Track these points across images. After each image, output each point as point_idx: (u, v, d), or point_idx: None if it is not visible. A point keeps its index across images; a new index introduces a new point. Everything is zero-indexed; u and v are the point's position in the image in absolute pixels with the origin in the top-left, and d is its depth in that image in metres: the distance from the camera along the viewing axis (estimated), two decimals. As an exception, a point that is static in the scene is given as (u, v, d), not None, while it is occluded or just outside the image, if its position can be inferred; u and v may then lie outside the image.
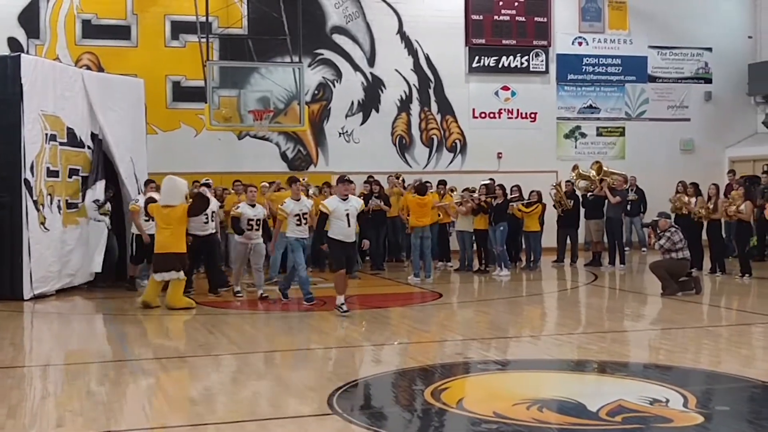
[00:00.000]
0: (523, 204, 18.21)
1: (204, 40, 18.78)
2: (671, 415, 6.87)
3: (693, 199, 16.96)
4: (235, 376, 8.79)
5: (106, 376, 8.60)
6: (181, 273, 13.08)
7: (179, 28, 20.54)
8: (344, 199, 12.07)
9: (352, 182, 12.34)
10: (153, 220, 13.66)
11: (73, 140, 15.24)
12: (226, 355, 9.70)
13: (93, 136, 15.72)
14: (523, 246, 18.86)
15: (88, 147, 15.63)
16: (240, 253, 14.14)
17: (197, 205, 13.42)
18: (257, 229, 13.86)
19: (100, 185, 15.43)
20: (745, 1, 24.38)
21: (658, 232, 14.43)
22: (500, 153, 22.34)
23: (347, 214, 11.92)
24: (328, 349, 10.19)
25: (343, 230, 11.92)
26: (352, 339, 10.87)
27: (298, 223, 13.25)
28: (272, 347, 10.35)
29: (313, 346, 10.37)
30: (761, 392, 7.75)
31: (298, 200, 13.45)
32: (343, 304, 11.97)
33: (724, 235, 17.75)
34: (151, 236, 13.96)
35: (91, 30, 20.10)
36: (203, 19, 18.93)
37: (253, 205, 13.92)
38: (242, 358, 9.64)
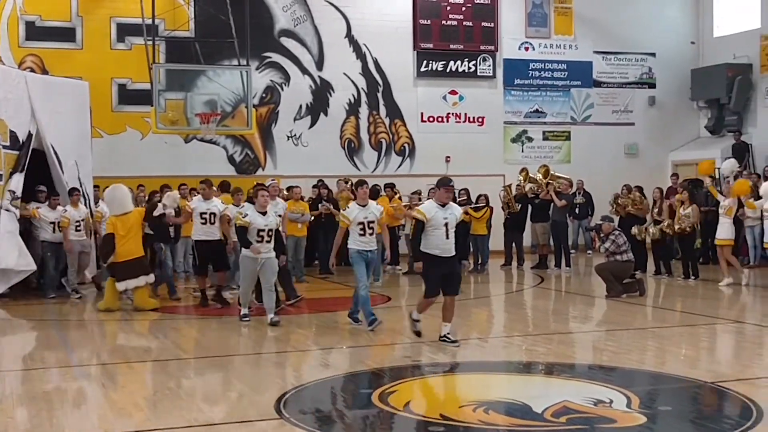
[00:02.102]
0: (471, 208, 18.33)
1: (150, 42, 18.58)
2: (615, 415, 6.98)
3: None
4: (182, 381, 8.73)
5: (50, 383, 8.48)
6: (150, 276, 13.42)
7: (125, 31, 20.30)
8: (443, 206, 10.05)
9: (453, 185, 10.31)
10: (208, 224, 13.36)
11: (15, 143, 14.96)
12: (173, 360, 9.63)
13: (29, 134, 15.36)
14: (471, 249, 18.97)
15: (23, 143, 15.20)
16: (248, 269, 11.76)
17: (151, 209, 13.76)
18: (268, 241, 11.73)
19: (18, 177, 14.98)
20: (688, 7, 24.81)
21: (602, 235, 14.63)
22: (448, 157, 22.46)
23: (446, 224, 9.92)
24: (277, 353, 10.16)
25: (441, 243, 9.91)
26: (300, 343, 10.85)
27: (362, 232, 11.27)
28: (220, 352, 10.28)
29: (261, 351, 10.33)
30: (704, 392, 7.89)
31: (365, 206, 11.39)
32: (448, 334, 10.08)
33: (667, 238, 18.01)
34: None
35: (34, 32, 19.79)
36: (149, 21, 18.72)
37: (264, 213, 11.79)
38: (189, 363, 9.58)
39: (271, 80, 21.52)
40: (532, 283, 17.05)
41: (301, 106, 21.74)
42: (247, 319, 11.89)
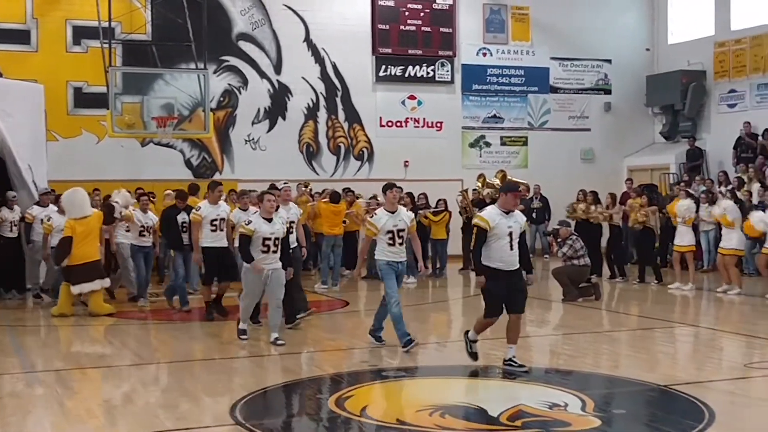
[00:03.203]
0: (430, 212, 18.40)
1: (107, 45, 18.41)
2: (569, 419, 7.04)
3: (593, 207, 17.37)
4: (137, 387, 8.65)
5: (3, 389, 8.36)
6: (106, 281, 13.40)
7: (81, 33, 20.07)
8: (507, 213, 8.78)
9: (521, 191, 9.12)
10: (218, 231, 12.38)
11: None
12: (128, 366, 9.54)
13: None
14: (430, 254, 19.02)
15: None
16: (252, 283, 10.56)
17: (108, 212, 13.87)
18: (275, 251, 10.49)
19: None
20: (643, 14, 25.10)
21: (559, 240, 14.77)
22: (407, 161, 22.50)
23: (510, 233, 8.67)
24: (233, 358, 10.10)
25: (505, 255, 8.67)
26: (257, 348, 10.79)
27: (391, 242, 10.03)
28: (175, 357, 10.21)
29: (217, 356, 10.26)
30: (658, 395, 7.97)
31: (394, 212, 10.10)
32: (514, 357, 8.90)
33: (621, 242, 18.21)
34: (212, 249, 12.42)
35: (-12, 34, 19.54)
36: (106, 24, 18.54)
37: (270, 219, 10.52)
38: (144, 369, 9.50)
39: (229, 84, 21.41)
40: (490, 288, 17.08)
41: (259, 110, 21.66)
42: (245, 336, 10.73)
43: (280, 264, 10.55)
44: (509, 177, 19.41)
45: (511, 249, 8.70)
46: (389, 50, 22.52)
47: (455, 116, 23.30)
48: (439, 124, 23.17)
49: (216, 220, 12.28)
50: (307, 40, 22.03)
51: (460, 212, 19.50)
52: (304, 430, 7.10)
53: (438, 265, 18.78)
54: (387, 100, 22.69)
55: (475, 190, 19.70)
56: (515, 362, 8.80)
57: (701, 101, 23.11)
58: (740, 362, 9.39)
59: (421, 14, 22.72)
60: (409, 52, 22.66)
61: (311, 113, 22.11)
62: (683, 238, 15.71)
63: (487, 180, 19.62)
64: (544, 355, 10.48)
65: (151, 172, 20.02)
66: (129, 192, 15.64)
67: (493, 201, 19.02)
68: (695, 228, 16.90)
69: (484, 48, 23.55)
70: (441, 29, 22.90)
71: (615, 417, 7.31)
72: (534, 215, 21.35)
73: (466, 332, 9.27)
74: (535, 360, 10.00)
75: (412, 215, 10.58)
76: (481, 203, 19.30)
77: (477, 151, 23.60)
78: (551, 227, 18.68)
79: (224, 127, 21.35)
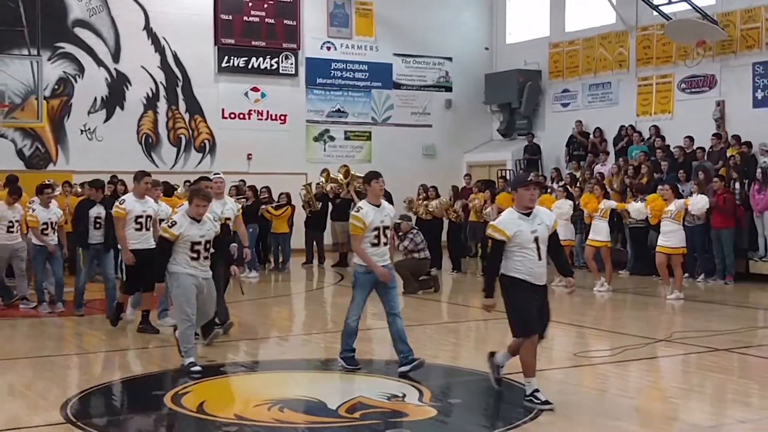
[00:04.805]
0: (272, 206, 18.31)
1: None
2: (407, 409, 7.15)
3: (434, 202, 17.73)
4: (-40, 388, 8.22)
5: None
6: None
7: None
8: (527, 215, 7.22)
9: (533, 180, 7.53)
10: (143, 229, 10.72)
11: None
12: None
13: None
14: (272, 248, 18.93)
15: None
16: (185, 293, 8.54)
17: None
18: (206, 257, 8.72)
19: None
20: (483, 13, 25.72)
21: (401, 233, 14.98)
22: (250, 154, 22.28)
23: (536, 238, 7.15)
24: (66, 355, 9.76)
25: (533, 265, 7.14)
26: (92, 345, 10.45)
27: (376, 241, 8.37)
28: (4, 355, 9.75)
29: (49, 353, 9.86)
30: (492, 385, 8.18)
31: (380, 206, 8.50)
32: (537, 391, 7.17)
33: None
34: (136, 252, 10.65)
35: None
36: (-71, 4, 17.57)
37: (199, 220, 8.67)
38: (-31, 369, 9.03)
39: (64, 72, 20.61)
40: (333, 281, 17.22)
41: (96, 99, 20.95)
42: (197, 369, 8.38)
43: (210, 273, 8.81)
44: (352, 172, 19.58)
45: (540, 258, 7.15)
46: (232, 41, 22.23)
47: (299, 109, 23.25)
48: (283, 117, 23.05)
49: (141, 216, 10.67)
50: (147, 28, 21.47)
51: (303, 206, 19.48)
52: (137, 427, 6.92)
53: (281, 259, 18.71)
54: (230, 91, 22.40)
55: (318, 184, 19.72)
56: (537, 398, 7.14)
57: (537, 100, 23.90)
58: (570, 352, 9.77)
59: (265, 5, 22.53)
60: (253, 43, 22.44)
61: (151, 103, 21.57)
62: (601, 234, 15.61)
63: (331, 174, 19.68)
64: (386, 348, 10.55)
65: (-21, 162, 19.07)
66: None
67: (337, 195, 19.34)
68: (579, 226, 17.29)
69: (329, 42, 23.59)
70: (285, 21, 22.78)
71: (451, 406, 7.46)
72: (377, 209, 21.60)
73: (492, 357, 7.75)
74: (376, 352, 10.10)
75: (393, 209, 8.87)
76: (324, 197, 19.40)
77: (321, 145, 23.63)
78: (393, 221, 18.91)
79: (59, 116, 20.55)
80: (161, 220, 10.24)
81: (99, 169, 19.29)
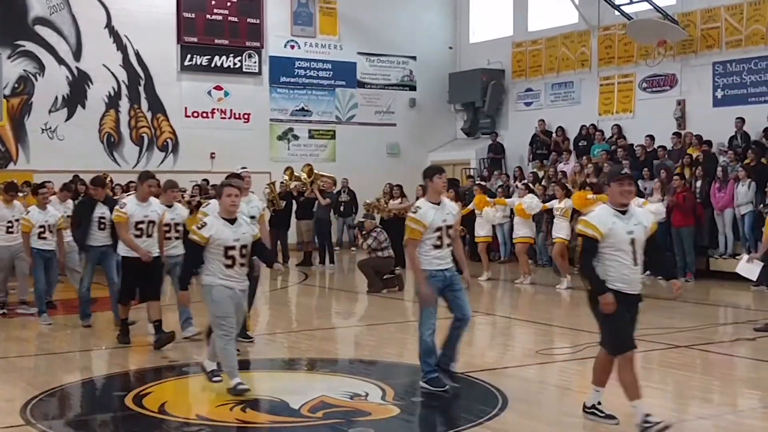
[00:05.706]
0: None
1: None
2: (369, 408, 7.15)
3: (392, 202, 17.73)
4: None
5: None
6: None
7: None
8: (623, 212, 6.36)
9: (628, 174, 6.67)
10: (144, 236, 9.84)
11: None
12: None
13: None
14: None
15: None
16: (222, 305, 7.55)
17: None
18: (243, 264, 7.65)
19: None
20: (447, 13, 25.77)
21: (364, 232, 15.01)
22: (213, 153, 22.15)
23: (632, 240, 6.32)
24: (26, 356, 9.65)
25: (628, 272, 6.33)
26: (53, 346, 10.33)
27: (438, 242, 7.63)
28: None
29: (8, 354, 9.75)
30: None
31: (439, 203, 7.75)
32: (648, 415, 6.29)
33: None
34: (133, 261, 9.81)
35: None
36: None
37: (233, 220, 7.67)
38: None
39: (25, 70, 20.36)
40: (297, 280, 17.18)
41: (57, 98, 20.73)
42: (246, 388, 7.43)
43: (248, 284, 7.86)
44: (316, 171, 19.60)
45: (635, 264, 6.35)
46: (195, 39, 22.08)
47: (263, 108, 23.16)
48: (246, 116, 22.95)
49: (143, 222, 9.80)
50: (109, 26, 21.28)
51: (267, 205, 19.37)
52: (97, 429, 6.86)
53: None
54: (192, 90, 22.25)
55: (282, 183, 19.66)
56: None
57: (500, 99, 23.98)
58: (533, 349, 9.82)
59: (228, 3, 22.41)
60: (216, 41, 22.30)
61: (113, 102, 21.38)
62: (563, 231, 15.70)
63: (295, 173, 19.65)
64: (350, 347, 10.61)
65: (-63, 162, 18.80)
66: None
67: (301, 194, 19.31)
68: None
69: (292, 40, 23.52)
70: (248, 20, 22.68)
71: (413, 405, 7.48)
72: (341, 208, 21.61)
73: (591, 406, 6.67)
74: (340, 351, 10.12)
75: (458, 207, 8.29)
76: (288, 196, 19.36)
77: (285, 143, 23.56)
78: (357, 220, 18.96)
79: (19, 115, 20.30)
80: (177, 225, 9.92)
81: (60, 169, 19.14)
